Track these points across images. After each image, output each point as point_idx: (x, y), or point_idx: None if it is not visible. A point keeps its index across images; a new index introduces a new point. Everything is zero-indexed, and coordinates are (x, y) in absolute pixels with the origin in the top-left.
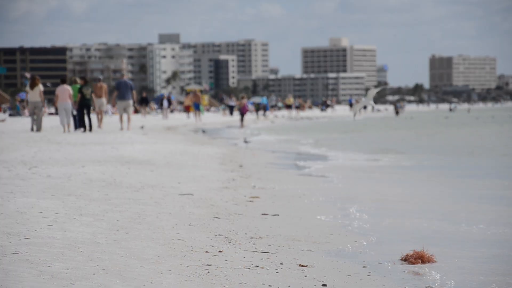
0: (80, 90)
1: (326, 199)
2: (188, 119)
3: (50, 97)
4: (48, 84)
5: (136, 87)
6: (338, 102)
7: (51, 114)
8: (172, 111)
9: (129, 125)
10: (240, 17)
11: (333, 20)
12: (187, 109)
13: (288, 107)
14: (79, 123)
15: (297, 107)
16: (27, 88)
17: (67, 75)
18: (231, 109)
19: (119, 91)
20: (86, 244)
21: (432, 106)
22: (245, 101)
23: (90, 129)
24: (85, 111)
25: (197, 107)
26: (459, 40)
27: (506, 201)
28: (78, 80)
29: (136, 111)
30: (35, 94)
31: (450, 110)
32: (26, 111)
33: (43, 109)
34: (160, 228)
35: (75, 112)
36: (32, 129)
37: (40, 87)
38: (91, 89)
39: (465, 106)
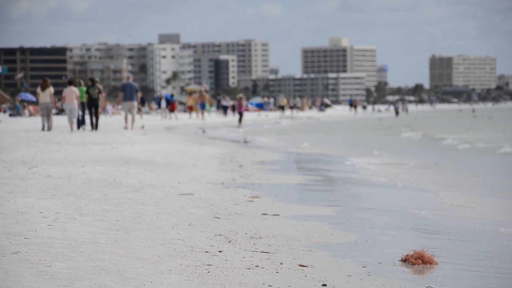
0: (87, 91)
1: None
2: (189, 119)
3: None
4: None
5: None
6: (338, 102)
7: None
8: (173, 110)
9: (133, 125)
10: (240, 17)
11: (333, 20)
12: (189, 109)
13: (282, 108)
14: (84, 122)
15: (292, 107)
16: (38, 89)
17: (67, 75)
18: (225, 109)
19: (124, 93)
20: (86, 244)
21: (435, 106)
22: (243, 101)
23: (96, 128)
24: (92, 111)
25: (202, 106)
26: (459, 40)
27: None
28: (82, 82)
29: (139, 110)
30: (45, 96)
31: (460, 111)
32: (26, 111)
33: (52, 110)
34: (160, 228)
35: (80, 113)
36: (43, 129)
37: (51, 89)
38: (98, 89)
39: (464, 106)
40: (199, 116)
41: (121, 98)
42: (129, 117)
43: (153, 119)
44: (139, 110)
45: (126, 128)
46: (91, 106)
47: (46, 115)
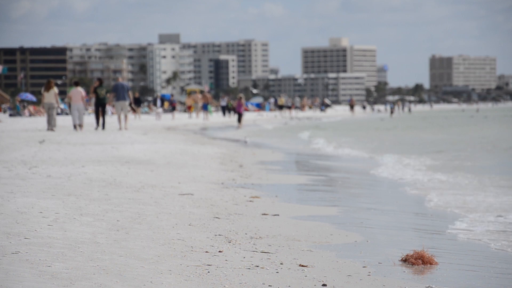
0: (95, 91)
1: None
2: (189, 119)
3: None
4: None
5: (136, 87)
6: (338, 103)
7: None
8: (174, 109)
9: (126, 124)
10: (241, 17)
11: (333, 20)
12: (189, 109)
13: (280, 107)
14: (96, 121)
15: (289, 107)
16: (42, 90)
17: (67, 75)
18: (223, 109)
19: (116, 93)
20: (86, 244)
21: (435, 106)
22: (242, 101)
23: (103, 127)
24: (100, 110)
25: (205, 107)
26: (460, 40)
27: None
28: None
29: (134, 111)
30: (50, 96)
31: (463, 111)
32: (26, 111)
33: (56, 110)
34: (160, 228)
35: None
36: (48, 129)
37: (55, 89)
38: (105, 89)
39: (464, 106)
40: (199, 116)
41: (113, 98)
42: (122, 116)
43: (153, 119)
44: (134, 110)
45: (120, 129)
46: (99, 105)
47: (50, 114)
